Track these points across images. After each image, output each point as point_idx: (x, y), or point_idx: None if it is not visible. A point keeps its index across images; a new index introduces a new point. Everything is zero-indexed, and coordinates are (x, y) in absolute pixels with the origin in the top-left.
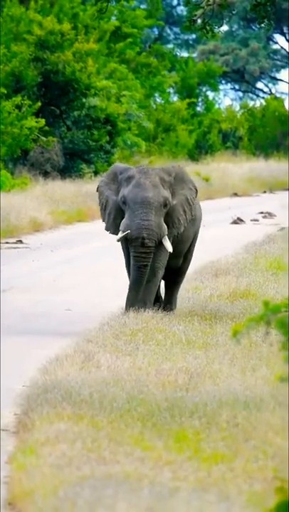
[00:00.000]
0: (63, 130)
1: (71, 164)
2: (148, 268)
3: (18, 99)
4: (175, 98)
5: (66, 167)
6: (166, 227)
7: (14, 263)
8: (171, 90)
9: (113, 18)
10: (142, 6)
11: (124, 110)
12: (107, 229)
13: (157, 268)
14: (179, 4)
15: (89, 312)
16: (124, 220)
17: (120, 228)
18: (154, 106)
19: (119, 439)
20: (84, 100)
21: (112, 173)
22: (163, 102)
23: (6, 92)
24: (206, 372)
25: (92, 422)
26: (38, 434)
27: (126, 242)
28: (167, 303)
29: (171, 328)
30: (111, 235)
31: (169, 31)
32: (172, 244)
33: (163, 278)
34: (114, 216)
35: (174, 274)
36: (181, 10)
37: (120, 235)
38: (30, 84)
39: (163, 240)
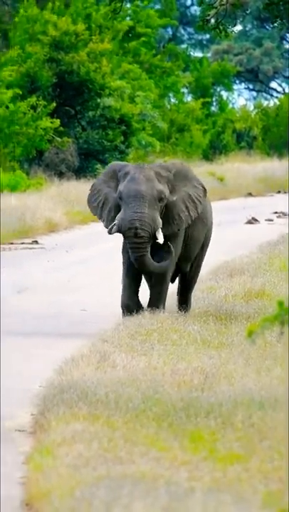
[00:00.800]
0: (78, 130)
1: (86, 164)
2: (146, 257)
3: (33, 99)
4: (189, 98)
5: (81, 167)
6: (160, 221)
7: (29, 263)
8: (185, 90)
9: (127, 18)
10: (156, 6)
11: (138, 110)
12: (106, 226)
13: (164, 271)
14: (192, 4)
15: (104, 312)
16: (118, 214)
17: (115, 222)
18: (168, 106)
19: (135, 439)
20: (98, 100)
21: (110, 171)
22: (177, 102)
23: (21, 92)
24: (221, 372)
25: (108, 422)
26: (54, 434)
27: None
28: (182, 304)
29: (186, 328)
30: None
31: (182, 31)
32: (183, 245)
33: (177, 281)
34: (114, 213)
35: (186, 277)
36: (195, 10)
37: (114, 228)
38: (45, 85)
39: (156, 233)
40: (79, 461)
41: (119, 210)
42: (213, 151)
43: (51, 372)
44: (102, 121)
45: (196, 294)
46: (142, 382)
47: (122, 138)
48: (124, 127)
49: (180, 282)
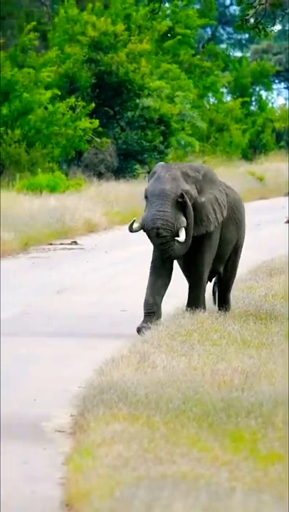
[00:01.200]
0: (117, 131)
1: (125, 165)
2: (176, 255)
3: (72, 100)
4: (228, 98)
5: (120, 168)
6: (184, 219)
7: (68, 264)
8: (225, 90)
9: (166, 18)
10: (196, 6)
11: (177, 110)
12: None
13: (201, 272)
14: (231, 4)
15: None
16: (143, 213)
17: (134, 219)
18: (208, 106)
19: (175, 440)
20: (137, 101)
21: (153, 171)
22: (216, 101)
23: (59, 93)
24: (262, 371)
25: (148, 423)
26: (94, 435)
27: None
28: (222, 304)
29: (226, 328)
30: None
31: (222, 31)
32: (215, 245)
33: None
34: None
35: (221, 277)
36: (234, 9)
37: (137, 226)
38: (84, 86)
39: (179, 232)
40: (119, 461)
41: None
42: (253, 150)
43: (91, 373)
44: (141, 122)
45: (236, 293)
46: (182, 382)
47: (161, 138)
48: (163, 127)
49: (217, 283)
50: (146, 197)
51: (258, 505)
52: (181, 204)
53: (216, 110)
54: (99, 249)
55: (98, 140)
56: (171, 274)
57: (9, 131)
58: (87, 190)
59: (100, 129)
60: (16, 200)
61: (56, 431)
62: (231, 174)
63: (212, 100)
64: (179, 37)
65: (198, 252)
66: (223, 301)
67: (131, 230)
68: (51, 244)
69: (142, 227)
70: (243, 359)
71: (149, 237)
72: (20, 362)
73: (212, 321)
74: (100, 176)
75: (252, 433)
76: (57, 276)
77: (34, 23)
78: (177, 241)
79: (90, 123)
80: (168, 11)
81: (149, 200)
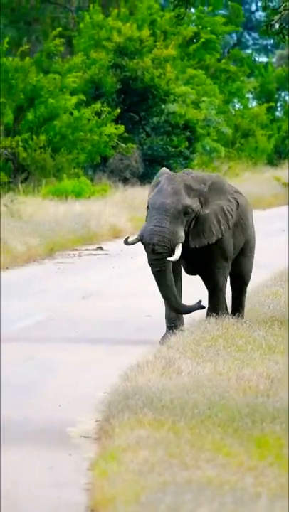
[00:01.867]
0: (142, 136)
1: (150, 170)
2: (165, 273)
3: (97, 106)
4: (254, 103)
5: (145, 173)
6: (182, 235)
7: (94, 270)
8: (250, 96)
9: (192, 24)
10: (221, 12)
11: (203, 116)
12: None
13: (217, 274)
14: (257, 10)
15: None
16: (143, 224)
17: (138, 233)
18: (233, 111)
19: (201, 445)
20: (163, 106)
21: (156, 177)
22: (242, 107)
23: (85, 99)
24: (287, 377)
25: (173, 428)
26: (119, 440)
27: None
28: (235, 311)
29: (251, 333)
30: None
31: (247, 36)
32: (229, 249)
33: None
34: None
35: (236, 285)
36: (260, 15)
37: (135, 238)
38: (110, 91)
39: (176, 248)
40: (144, 466)
41: None
42: (278, 156)
43: (116, 379)
44: (166, 127)
45: (261, 299)
46: (207, 388)
47: (186, 144)
48: (188, 133)
49: (231, 287)
50: (147, 207)
51: (283, 511)
52: (181, 218)
53: (241, 116)
54: (124, 254)
55: (123, 145)
56: (181, 277)
57: (35, 137)
58: (113, 196)
59: (126, 134)
60: (42, 205)
61: (81, 436)
62: (256, 180)
63: (237, 106)
64: (202, 40)
65: (209, 260)
66: (238, 305)
67: (126, 243)
68: (76, 249)
69: (140, 239)
70: (268, 364)
71: (146, 250)
72: (45, 367)
73: (237, 327)
74: (125, 181)
75: (277, 438)
76: (82, 282)
77: (60, 28)
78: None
79: (116, 128)
80: (193, 17)
81: (149, 213)
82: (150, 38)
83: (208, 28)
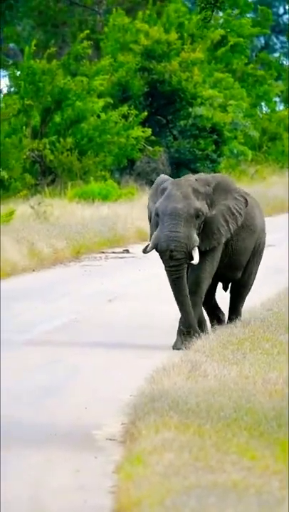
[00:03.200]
0: (170, 139)
1: (177, 174)
2: (183, 280)
3: (124, 109)
4: (281, 107)
5: (172, 177)
6: (197, 238)
7: (120, 272)
8: (278, 99)
9: (219, 27)
10: (250, 15)
11: (230, 119)
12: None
13: (202, 279)
14: (285, 13)
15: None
16: (155, 232)
17: (151, 240)
18: (260, 115)
19: (226, 448)
20: (190, 109)
21: (155, 185)
22: (269, 110)
23: (112, 102)
24: None
25: (199, 431)
26: (144, 443)
27: None
28: (231, 314)
29: (277, 337)
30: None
31: (275, 40)
32: (227, 255)
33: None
34: (155, 229)
35: (235, 287)
36: (288, 18)
37: (150, 247)
38: (137, 94)
39: (192, 252)
40: (169, 469)
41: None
42: None
43: (142, 382)
44: (193, 131)
45: (287, 302)
46: (233, 391)
47: (213, 147)
48: (215, 136)
49: (230, 291)
50: (157, 215)
51: None
52: (193, 222)
53: (268, 119)
54: (151, 257)
55: (151, 149)
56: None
57: (62, 140)
58: (140, 199)
59: (153, 137)
60: (68, 208)
61: (107, 439)
62: (284, 183)
63: (265, 109)
64: (230, 43)
65: (200, 263)
66: (234, 311)
67: (145, 251)
68: (103, 252)
69: (155, 247)
70: None
71: (162, 258)
72: (71, 370)
73: (264, 330)
74: (152, 184)
75: None
76: (108, 285)
77: (87, 31)
78: (190, 263)
79: (143, 131)
80: (221, 20)
81: (161, 219)
82: (178, 41)
83: (236, 31)
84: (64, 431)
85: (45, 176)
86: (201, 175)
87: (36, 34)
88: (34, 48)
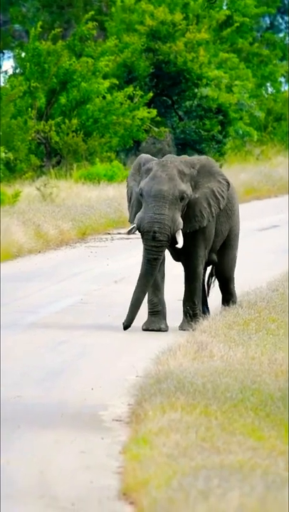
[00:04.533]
0: (175, 120)
1: (183, 154)
2: (158, 262)
3: (130, 89)
4: (286, 87)
5: None
6: (181, 221)
7: (126, 253)
8: (283, 79)
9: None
10: None
11: (235, 100)
12: (130, 221)
13: (196, 265)
14: None
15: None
16: (139, 212)
17: (134, 221)
18: (266, 95)
19: (232, 429)
20: (196, 90)
21: (136, 164)
22: (274, 91)
23: (117, 82)
24: None
25: (205, 412)
26: (151, 424)
27: None
28: (226, 296)
29: (283, 317)
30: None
31: (280, 20)
32: (210, 238)
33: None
34: (136, 208)
35: (219, 271)
36: None
37: (134, 229)
38: (142, 75)
39: (176, 235)
40: (176, 450)
41: (140, 206)
42: None
43: (148, 363)
44: (199, 111)
45: None
46: (239, 372)
47: (219, 128)
48: (221, 117)
49: (216, 276)
50: (141, 195)
51: None
52: (178, 204)
53: (274, 100)
54: None
55: (156, 129)
56: (164, 266)
57: (67, 121)
58: None
59: (158, 118)
60: (74, 189)
61: (114, 420)
62: None
63: (270, 90)
64: (236, 24)
65: (192, 246)
66: (227, 293)
67: (130, 233)
68: (109, 233)
69: (138, 229)
70: None
71: (144, 239)
72: (77, 351)
73: (269, 311)
74: None
75: None
76: (114, 266)
77: (92, 12)
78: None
79: (148, 112)
80: (226, 0)
81: (146, 200)
82: (183, 21)
83: (241, 11)
84: (71, 412)
85: (51, 157)
86: (186, 157)
87: (41, 15)
88: (40, 29)
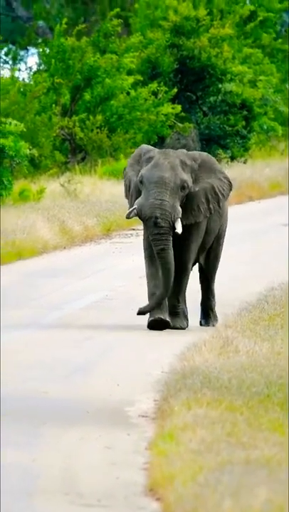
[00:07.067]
0: (199, 116)
1: (207, 150)
2: (168, 252)
3: (154, 85)
4: None
5: None
6: (180, 210)
7: None
8: None
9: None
10: None
11: (260, 95)
12: (128, 211)
13: (186, 260)
14: None
15: (227, 297)
16: (138, 199)
17: (134, 206)
18: None
19: (258, 424)
20: (220, 86)
21: (137, 154)
22: None
23: (142, 78)
24: None
25: (231, 407)
26: (177, 419)
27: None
28: (205, 294)
29: None
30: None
31: None
32: (202, 235)
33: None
34: (135, 198)
35: (203, 267)
36: None
37: (133, 213)
38: (166, 71)
39: (175, 223)
40: (202, 446)
41: (139, 195)
42: None
43: (173, 358)
44: (223, 107)
45: None
46: (265, 367)
47: (243, 123)
48: (245, 112)
49: (199, 273)
50: (141, 182)
51: None
52: (178, 193)
53: None
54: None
55: (180, 125)
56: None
57: (91, 117)
58: None
59: (183, 114)
60: (99, 185)
61: (139, 416)
62: None
63: None
64: (259, 18)
65: (185, 239)
66: (207, 291)
67: (128, 217)
68: (134, 229)
69: (138, 215)
70: None
71: (146, 226)
72: (103, 347)
73: None
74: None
75: None
76: (139, 262)
77: (117, 9)
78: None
79: (173, 108)
80: None
81: (146, 187)
82: (207, 17)
83: (265, 6)
84: (96, 408)
85: (75, 153)
86: (188, 152)
87: (65, 12)
88: (65, 25)
